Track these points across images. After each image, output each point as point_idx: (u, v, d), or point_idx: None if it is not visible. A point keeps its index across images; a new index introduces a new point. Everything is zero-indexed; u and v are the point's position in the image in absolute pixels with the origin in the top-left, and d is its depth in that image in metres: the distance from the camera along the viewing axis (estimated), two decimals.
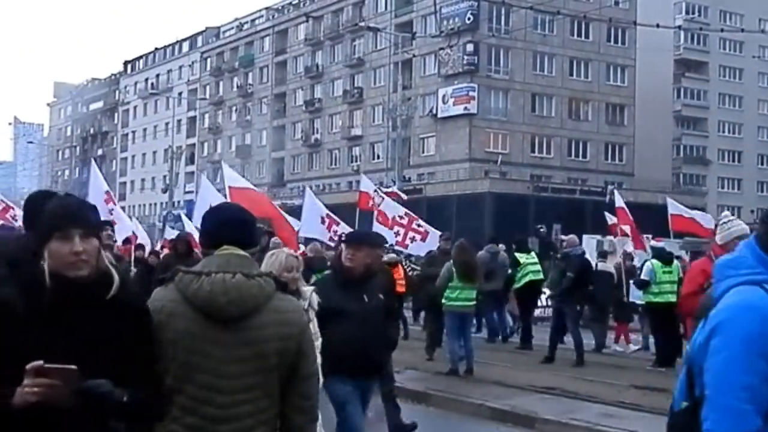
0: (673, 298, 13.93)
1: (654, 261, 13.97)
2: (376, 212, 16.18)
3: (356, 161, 66.20)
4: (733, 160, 77.32)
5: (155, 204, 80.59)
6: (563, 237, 15.75)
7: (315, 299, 5.04)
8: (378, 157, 63.02)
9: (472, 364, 11.94)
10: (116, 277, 2.69)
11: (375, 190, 17.43)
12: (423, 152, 60.63)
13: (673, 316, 14.41)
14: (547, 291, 19.21)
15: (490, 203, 48.36)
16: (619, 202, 19.11)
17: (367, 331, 5.63)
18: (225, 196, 14.72)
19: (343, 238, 14.01)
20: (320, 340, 4.89)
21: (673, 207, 19.54)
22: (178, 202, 68.94)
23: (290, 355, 2.94)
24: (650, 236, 18.76)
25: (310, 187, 63.18)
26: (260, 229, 10.99)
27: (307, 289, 5.06)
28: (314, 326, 4.84)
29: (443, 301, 12.24)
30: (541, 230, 19.22)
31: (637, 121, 62.28)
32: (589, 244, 31.03)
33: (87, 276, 2.63)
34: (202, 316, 2.85)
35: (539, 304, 19.13)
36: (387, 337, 6.17)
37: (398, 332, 6.95)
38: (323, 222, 15.83)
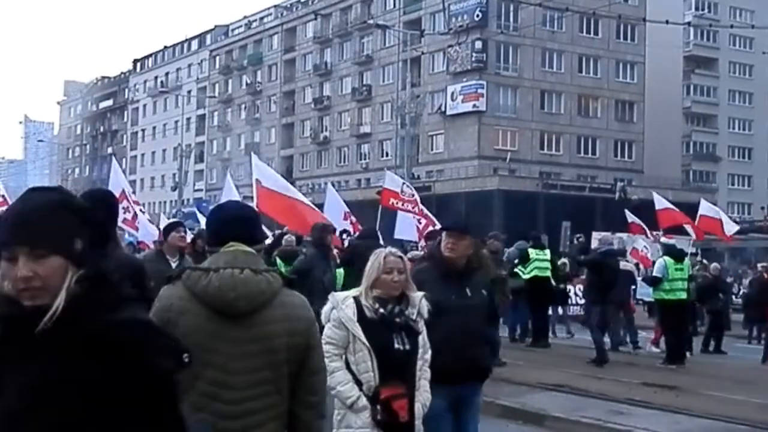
0: (683, 295, 13.89)
1: (666, 258, 13.91)
2: (410, 206, 16.19)
3: (365, 159, 66.26)
4: (743, 157, 77.06)
5: (165, 202, 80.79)
6: (597, 236, 15.59)
7: (425, 306, 4.39)
8: (387, 155, 62.97)
9: None
10: (57, 303, 1.84)
11: (404, 184, 17.27)
12: (432, 150, 60.61)
13: (683, 313, 14.38)
14: (573, 288, 19.07)
15: (499, 200, 48.28)
16: (660, 203, 17.98)
17: (469, 330, 5.05)
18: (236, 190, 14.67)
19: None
20: (430, 352, 4.44)
21: (705, 208, 18.85)
22: (188, 200, 69.10)
23: (299, 350, 2.95)
24: (660, 233, 18.69)
25: (319, 185, 62.88)
26: (328, 226, 10.73)
27: (416, 295, 4.39)
28: (424, 337, 4.38)
29: None
30: (580, 239, 18.83)
31: (646, 118, 62.11)
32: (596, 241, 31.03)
33: (46, 305, 1.84)
34: (210, 313, 2.86)
35: (570, 302, 19.05)
36: (491, 339, 5.53)
37: (499, 337, 6.15)
38: (345, 218, 15.75)
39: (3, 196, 16.28)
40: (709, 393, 10.52)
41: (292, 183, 71.26)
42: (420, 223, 16.25)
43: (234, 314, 2.86)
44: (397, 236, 16.53)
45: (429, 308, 4.42)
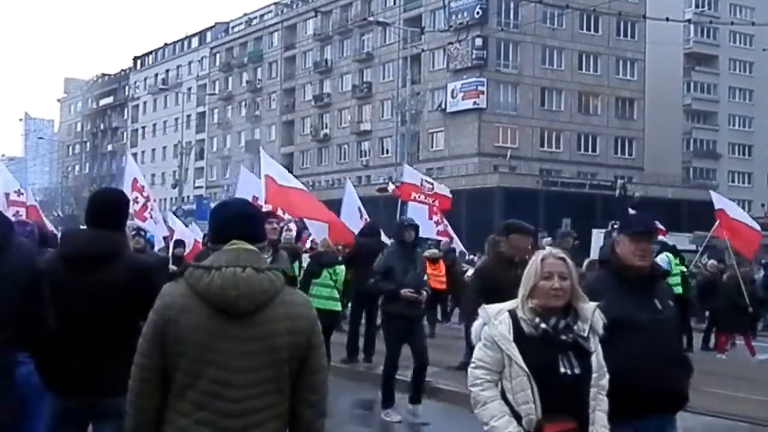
0: (679, 290, 14.00)
1: (668, 254, 14.05)
2: (431, 200, 15.89)
3: (365, 156, 66.24)
4: (744, 154, 77.02)
5: (165, 199, 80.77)
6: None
7: (599, 320, 3.64)
8: (387, 152, 62.96)
9: None
10: None
11: (423, 178, 16.86)
12: (432, 147, 60.57)
13: (684, 309, 14.42)
14: None
15: (499, 198, 48.30)
16: (719, 203, 15.97)
17: (665, 350, 4.26)
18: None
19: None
20: (607, 377, 3.71)
21: (723, 204, 16.60)
22: (188, 197, 69.10)
23: (300, 349, 2.94)
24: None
25: (319, 182, 62.82)
26: (405, 221, 9.99)
27: (588, 307, 3.63)
28: (598, 359, 3.66)
29: None
30: (615, 226, 18.22)
31: (646, 115, 62.09)
32: (598, 238, 30.94)
33: None
34: (213, 311, 2.85)
35: None
36: (686, 358, 4.63)
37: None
38: (361, 216, 15.38)
39: (18, 191, 16.37)
40: (710, 390, 10.49)
41: None
42: (434, 219, 15.91)
43: (236, 313, 2.85)
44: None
45: (605, 323, 3.67)
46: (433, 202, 16.15)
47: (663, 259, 14.03)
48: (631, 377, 3.88)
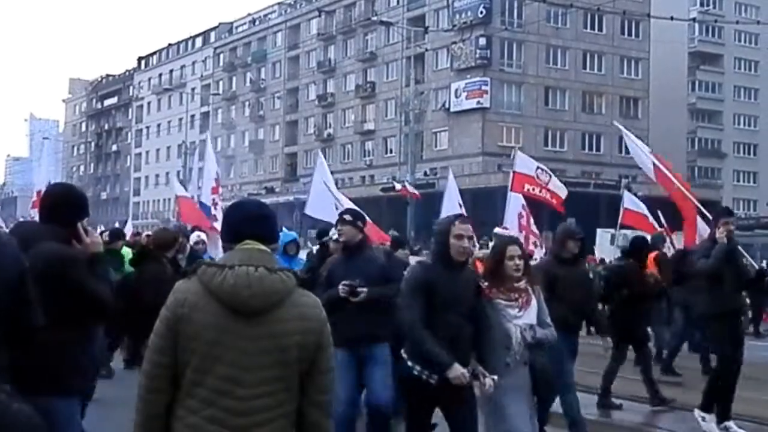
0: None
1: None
2: (547, 194, 14.43)
3: (369, 156, 66.25)
4: (749, 153, 76.93)
5: (169, 199, 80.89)
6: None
7: None
8: (390, 152, 62.96)
9: None
10: None
11: (539, 168, 14.81)
12: (436, 146, 60.57)
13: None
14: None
15: (503, 197, 48.01)
16: (628, 203, 16.07)
17: None
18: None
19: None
20: None
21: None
22: (192, 197, 69.11)
23: (311, 349, 2.96)
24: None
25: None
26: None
27: None
28: None
29: None
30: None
31: (651, 114, 62.01)
32: (603, 237, 30.94)
33: None
34: (224, 309, 2.87)
35: None
36: None
37: None
38: (460, 207, 14.71)
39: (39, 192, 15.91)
40: None
41: (296, 180, 71.21)
42: (522, 214, 14.28)
43: (247, 311, 2.87)
44: (503, 230, 14.75)
45: None
46: (550, 198, 14.60)
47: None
48: None
